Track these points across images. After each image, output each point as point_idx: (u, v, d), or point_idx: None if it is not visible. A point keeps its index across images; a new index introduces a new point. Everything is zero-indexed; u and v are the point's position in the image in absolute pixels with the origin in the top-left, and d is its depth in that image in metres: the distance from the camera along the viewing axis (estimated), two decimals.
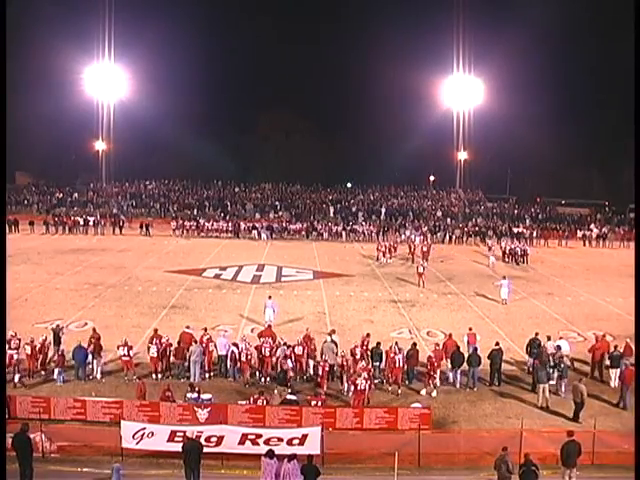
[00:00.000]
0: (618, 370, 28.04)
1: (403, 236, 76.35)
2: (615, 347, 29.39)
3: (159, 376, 28.01)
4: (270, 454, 19.29)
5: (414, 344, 29.77)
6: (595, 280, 53.97)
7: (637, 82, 26.69)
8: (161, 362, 28.40)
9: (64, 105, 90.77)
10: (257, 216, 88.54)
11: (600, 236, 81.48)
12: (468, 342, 30.31)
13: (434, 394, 27.01)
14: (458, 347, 28.87)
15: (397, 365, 27.71)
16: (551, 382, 27.02)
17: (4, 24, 25.27)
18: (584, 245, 79.68)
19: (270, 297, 39.19)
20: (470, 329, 32.05)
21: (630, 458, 21.42)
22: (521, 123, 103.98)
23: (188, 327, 30.54)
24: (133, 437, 21.34)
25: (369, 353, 28.70)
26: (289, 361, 27.60)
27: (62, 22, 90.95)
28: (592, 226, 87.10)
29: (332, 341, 29.45)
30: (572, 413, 25.34)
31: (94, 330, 30.30)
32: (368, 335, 30.44)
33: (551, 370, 27.71)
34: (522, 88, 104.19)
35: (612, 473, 21.12)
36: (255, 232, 77.32)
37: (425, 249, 61.24)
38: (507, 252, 64.08)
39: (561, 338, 31.75)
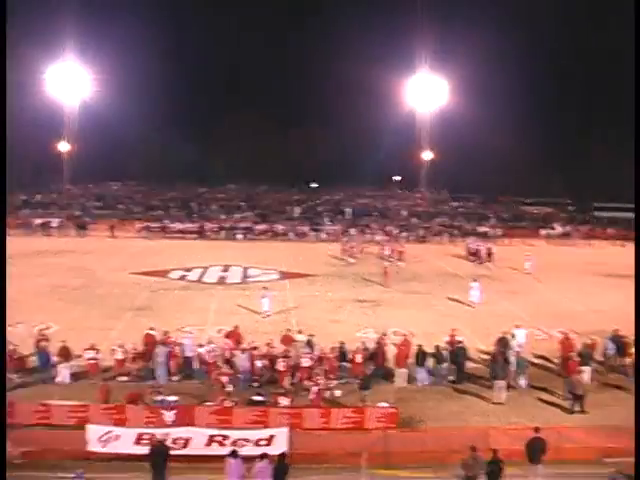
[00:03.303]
0: (589, 367, 28.39)
1: (367, 236, 76.68)
2: (585, 345, 29.66)
3: (124, 378, 27.84)
4: (234, 454, 19.27)
5: (378, 342, 29.90)
6: (558, 278, 54.44)
7: (637, 83, 27.01)
8: (133, 364, 28.35)
9: (25, 105, 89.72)
10: (222, 217, 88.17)
11: (563, 234, 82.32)
12: (449, 343, 30.38)
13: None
14: (421, 346, 28.98)
15: (357, 361, 28.36)
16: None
17: (4, 24, 25.13)
18: (547, 243, 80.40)
19: (265, 288, 40.25)
20: (453, 330, 32.10)
21: (594, 453, 21.87)
22: (485, 123, 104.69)
23: (152, 329, 30.47)
24: (99, 440, 21.21)
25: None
26: (257, 362, 27.61)
27: (24, 21, 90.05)
28: (555, 224, 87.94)
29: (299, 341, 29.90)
30: (571, 405, 26.01)
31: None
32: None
33: (509, 365, 28.03)
34: (486, 89, 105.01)
35: (577, 469, 21.31)
36: (223, 233, 77.25)
37: (399, 249, 61.75)
38: (472, 251, 64.53)
39: (518, 327, 32.12)
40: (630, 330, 33.89)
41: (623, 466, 20.93)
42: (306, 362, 27.66)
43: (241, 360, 27.56)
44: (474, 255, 63.95)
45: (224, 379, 26.02)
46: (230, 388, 25.63)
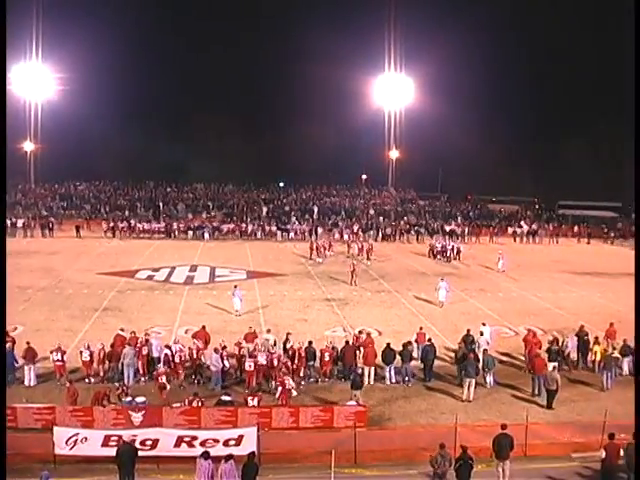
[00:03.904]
0: (556, 364, 28.66)
1: (336, 235, 76.79)
2: (552, 341, 29.91)
3: (92, 380, 27.62)
4: (205, 455, 19.19)
5: (347, 342, 29.87)
6: (526, 276, 54.89)
7: (637, 83, 27.19)
8: (101, 365, 28.14)
9: None
10: (189, 216, 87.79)
11: (530, 232, 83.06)
12: (417, 341, 30.54)
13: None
14: (389, 344, 29.07)
15: (326, 360, 28.46)
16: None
17: (4, 24, 24.90)
18: (514, 241, 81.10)
19: (236, 286, 40.31)
20: (421, 328, 32.35)
21: (560, 449, 22.02)
22: (452, 122, 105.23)
23: (122, 329, 30.27)
24: (66, 443, 20.98)
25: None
26: (225, 362, 27.47)
27: None
28: (522, 223, 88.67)
29: (267, 339, 29.90)
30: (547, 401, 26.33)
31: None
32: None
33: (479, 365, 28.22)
34: (453, 87, 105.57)
35: (544, 464, 21.51)
36: (190, 232, 77.14)
37: (367, 248, 61.77)
38: (439, 250, 64.67)
39: (484, 324, 32.31)
40: (595, 326, 34.56)
41: (590, 461, 21.18)
42: (274, 361, 27.58)
43: (214, 360, 27.35)
44: (440, 254, 64.11)
45: (162, 379, 25.68)
46: (168, 388, 25.42)
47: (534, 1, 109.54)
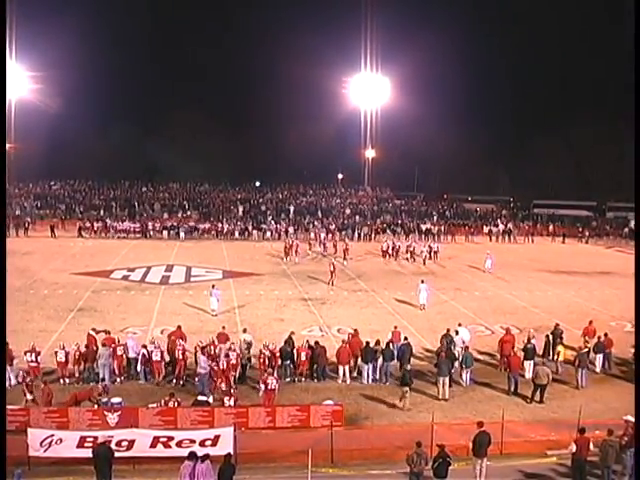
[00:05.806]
0: (532, 362, 28.79)
1: (312, 234, 76.65)
2: (529, 340, 30.03)
3: (67, 381, 27.42)
4: (191, 456, 19.10)
5: (316, 342, 29.72)
6: (501, 275, 55.06)
7: (637, 83, 27.37)
8: (76, 366, 27.94)
9: None
10: (165, 216, 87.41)
11: (505, 231, 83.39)
12: (392, 341, 30.49)
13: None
14: (368, 343, 29.06)
15: (302, 359, 28.41)
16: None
17: (4, 24, 24.74)
18: (490, 240, 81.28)
19: (214, 286, 40.28)
20: (395, 327, 32.25)
21: (536, 446, 22.12)
22: (428, 122, 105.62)
23: (94, 329, 30.04)
24: (41, 445, 20.76)
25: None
26: (203, 362, 27.30)
27: None
28: (498, 222, 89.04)
29: (244, 340, 29.78)
30: (531, 395, 26.75)
31: None
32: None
33: (456, 363, 28.31)
34: (429, 87, 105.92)
35: (520, 461, 21.61)
36: (166, 232, 76.85)
37: (343, 247, 61.51)
38: (413, 250, 64.17)
39: (460, 325, 32.34)
40: (570, 324, 34.81)
41: (564, 458, 21.29)
42: (253, 360, 27.58)
43: (202, 363, 27.00)
44: (391, 253, 63.67)
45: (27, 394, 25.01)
46: (30, 397, 24.73)
47: (509, 1, 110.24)
